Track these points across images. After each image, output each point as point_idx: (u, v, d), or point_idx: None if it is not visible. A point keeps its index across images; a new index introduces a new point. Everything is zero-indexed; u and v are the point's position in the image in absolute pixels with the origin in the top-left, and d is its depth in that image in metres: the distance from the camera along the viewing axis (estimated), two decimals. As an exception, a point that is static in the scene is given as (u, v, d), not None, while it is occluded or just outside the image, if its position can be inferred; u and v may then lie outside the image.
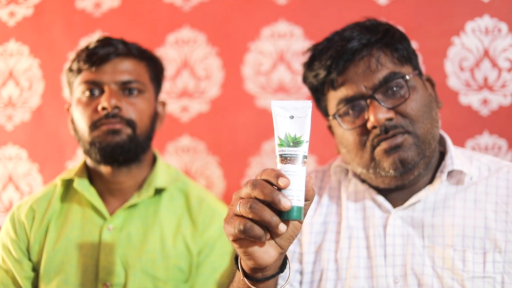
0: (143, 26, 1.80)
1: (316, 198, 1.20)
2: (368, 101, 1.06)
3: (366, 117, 1.06)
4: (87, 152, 1.29)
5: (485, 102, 1.54)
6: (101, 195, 1.31)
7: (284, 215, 0.73)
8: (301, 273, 1.11)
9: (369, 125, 1.05)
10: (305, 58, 1.19)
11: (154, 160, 1.39)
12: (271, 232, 0.75)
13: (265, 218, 0.72)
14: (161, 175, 1.33)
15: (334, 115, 1.11)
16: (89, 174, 1.34)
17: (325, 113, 1.19)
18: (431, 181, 1.11)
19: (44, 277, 1.23)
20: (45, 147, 1.85)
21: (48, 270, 1.24)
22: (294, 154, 0.75)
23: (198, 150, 1.77)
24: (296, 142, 0.75)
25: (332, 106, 1.13)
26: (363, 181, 1.16)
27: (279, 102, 0.78)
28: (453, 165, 1.07)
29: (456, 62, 1.56)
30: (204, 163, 1.76)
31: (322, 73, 1.11)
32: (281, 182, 0.72)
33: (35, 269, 1.27)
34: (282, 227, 0.73)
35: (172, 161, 1.77)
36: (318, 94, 1.17)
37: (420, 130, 1.05)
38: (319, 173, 1.26)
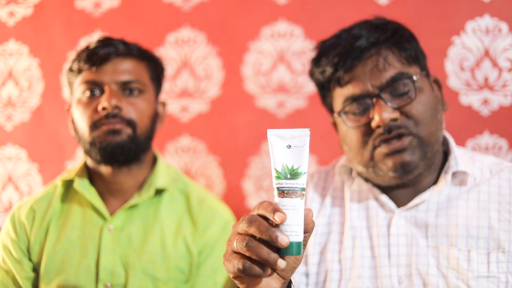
0: (142, 26, 1.79)
1: (319, 199, 1.20)
2: (374, 100, 1.05)
3: (371, 116, 1.05)
4: (87, 152, 1.29)
5: (485, 102, 1.54)
6: (102, 195, 1.31)
7: (282, 251, 0.71)
8: (307, 275, 1.10)
9: (373, 124, 1.04)
10: (312, 53, 1.17)
11: (154, 160, 1.39)
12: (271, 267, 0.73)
13: (262, 256, 0.70)
14: (161, 176, 1.33)
15: (339, 113, 1.10)
16: (90, 174, 1.34)
17: (330, 110, 1.18)
18: (435, 181, 1.11)
19: (45, 277, 1.23)
20: (44, 147, 1.85)
21: (48, 270, 1.23)
22: (291, 187, 0.73)
23: (198, 150, 1.76)
24: (294, 174, 0.73)
25: (337, 103, 1.12)
26: (367, 180, 1.15)
27: (275, 131, 0.75)
28: (457, 165, 1.07)
29: (457, 62, 1.56)
30: (204, 163, 1.76)
31: (329, 70, 1.10)
32: (277, 217, 0.70)
33: (36, 270, 1.26)
34: (281, 263, 0.71)
35: (172, 161, 1.77)
36: (324, 90, 1.16)
37: (423, 132, 1.05)
38: (322, 174, 1.25)
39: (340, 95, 1.10)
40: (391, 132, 1.03)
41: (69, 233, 1.27)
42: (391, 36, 1.08)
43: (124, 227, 1.27)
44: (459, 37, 1.56)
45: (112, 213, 1.29)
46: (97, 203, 1.28)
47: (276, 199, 0.73)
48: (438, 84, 1.16)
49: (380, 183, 1.10)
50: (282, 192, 0.73)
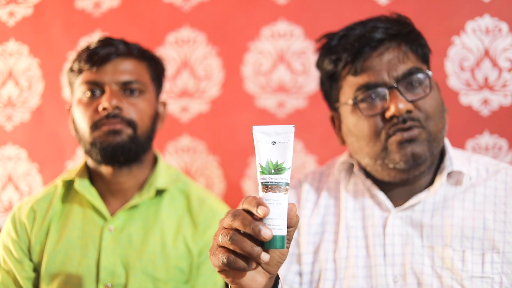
0: (143, 26, 1.79)
1: (313, 198, 1.20)
2: (389, 90, 1.06)
3: (385, 106, 1.06)
4: (88, 153, 1.29)
5: (485, 102, 1.54)
6: (102, 195, 1.31)
7: (266, 244, 0.72)
8: (300, 274, 1.11)
9: (388, 114, 1.05)
10: (321, 43, 1.17)
11: (155, 160, 1.39)
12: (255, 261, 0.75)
13: (245, 249, 0.72)
14: (162, 176, 1.33)
15: (353, 101, 1.09)
16: (90, 174, 1.34)
17: (334, 102, 1.17)
18: (431, 181, 1.11)
19: (45, 277, 1.23)
20: (44, 147, 1.85)
21: (49, 270, 1.23)
22: (275, 182, 0.74)
23: (198, 150, 1.76)
24: (278, 170, 0.75)
25: (347, 93, 1.11)
26: (367, 176, 1.15)
27: (260, 127, 0.77)
28: (452, 165, 1.08)
29: (457, 62, 1.56)
30: (204, 163, 1.76)
31: (346, 57, 1.10)
32: (260, 211, 0.72)
33: (36, 270, 1.26)
34: (264, 256, 0.72)
35: (172, 161, 1.77)
36: (332, 80, 1.15)
37: (433, 128, 1.06)
38: (316, 175, 1.26)
39: (352, 84, 1.10)
40: (405, 123, 1.04)
41: (69, 233, 1.27)
42: (411, 31, 1.10)
43: (125, 227, 1.27)
44: (459, 37, 1.56)
45: (112, 213, 1.29)
46: (97, 203, 1.28)
47: (260, 194, 0.75)
48: (438, 87, 1.17)
49: (384, 177, 1.10)
50: (266, 187, 0.74)
